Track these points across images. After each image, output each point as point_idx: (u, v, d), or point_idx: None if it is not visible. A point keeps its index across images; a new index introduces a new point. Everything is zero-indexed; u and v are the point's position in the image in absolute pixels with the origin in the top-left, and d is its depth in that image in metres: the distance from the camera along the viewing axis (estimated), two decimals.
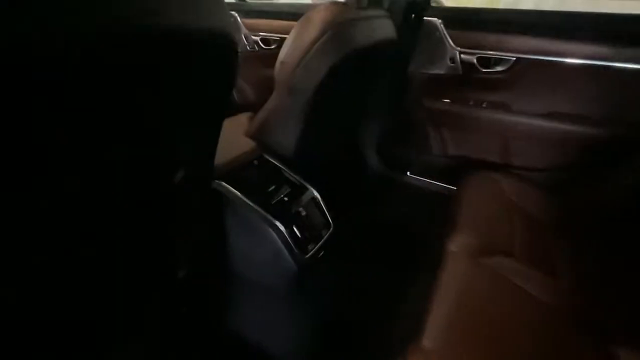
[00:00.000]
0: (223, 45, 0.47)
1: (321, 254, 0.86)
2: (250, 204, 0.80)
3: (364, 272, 1.11)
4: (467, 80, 1.27)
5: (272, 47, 1.71)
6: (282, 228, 0.79)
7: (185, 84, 0.48)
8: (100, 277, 0.58)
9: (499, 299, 0.74)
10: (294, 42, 0.86)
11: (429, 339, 0.63)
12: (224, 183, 0.81)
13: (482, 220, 0.96)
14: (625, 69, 1.01)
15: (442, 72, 1.37)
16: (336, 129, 1.30)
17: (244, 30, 1.75)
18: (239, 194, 0.81)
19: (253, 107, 1.31)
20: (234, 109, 1.35)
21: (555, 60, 1.08)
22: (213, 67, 0.50)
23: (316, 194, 0.92)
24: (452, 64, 1.26)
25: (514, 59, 1.15)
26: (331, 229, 0.91)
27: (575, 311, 0.75)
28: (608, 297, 0.78)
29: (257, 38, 1.73)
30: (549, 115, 1.16)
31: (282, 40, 1.40)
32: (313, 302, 0.94)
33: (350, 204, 1.21)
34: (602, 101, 1.07)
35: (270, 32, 1.68)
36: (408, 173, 1.55)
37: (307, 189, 0.92)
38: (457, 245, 0.86)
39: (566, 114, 1.13)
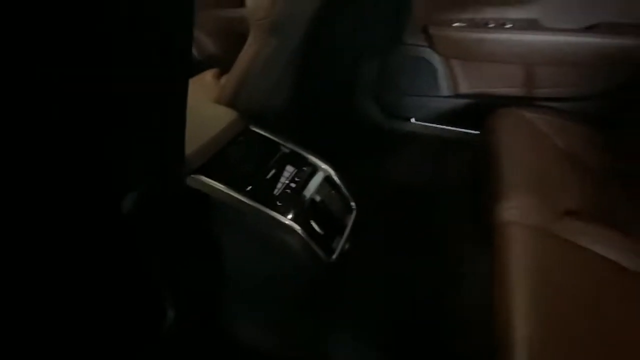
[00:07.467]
0: None
1: (347, 247, 0.67)
2: (247, 201, 0.57)
3: (398, 260, 0.91)
4: None
5: None
6: (296, 228, 0.58)
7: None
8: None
9: (588, 276, 0.59)
10: None
11: (524, 355, 0.47)
12: (201, 177, 0.57)
13: (530, 174, 0.78)
14: None
15: None
16: (328, 76, 1.03)
17: None
18: (228, 189, 0.57)
19: (216, 62, 1.01)
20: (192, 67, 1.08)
21: None
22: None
23: (329, 169, 0.70)
24: None
25: None
26: (354, 213, 0.71)
27: None
28: None
29: None
30: (592, 29, 0.94)
31: None
32: (349, 310, 0.76)
33: (356, 169, 1.00)
34: None
35: None
36: (413, 120, 1.33)
37: (317, 165, 0.69)
38: (514, 213, 0.68)
39: (615, 24, 0.91)
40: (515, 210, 0.68)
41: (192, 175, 0.57)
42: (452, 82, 1.19)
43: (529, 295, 0.55)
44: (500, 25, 1.02)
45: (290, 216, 0.58)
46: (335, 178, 0.71)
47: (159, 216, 0.50)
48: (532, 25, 0.99)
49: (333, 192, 0.68)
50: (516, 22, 1.01)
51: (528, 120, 0.94)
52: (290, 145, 0.70)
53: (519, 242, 0.62)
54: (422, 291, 0.81)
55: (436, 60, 1.17)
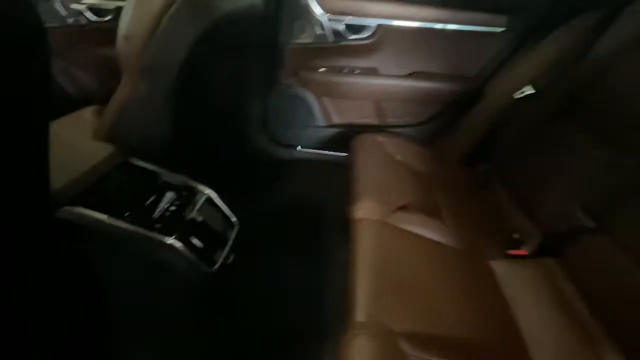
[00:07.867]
0: (17, 19, 0.30)
1: (231, 258, 0.75)
2: (124, 226, 0.62)
3: (281, 264, 1.03)
4: (338, 48, 1.29)
5: (106, 17, 1.35)
6: (176, 244, 0.64)
7: None
8: None
9: (408, 250, 0.80)
10: (136, 10, 0.66)
11: (362, 312, 0.63)
12: (76, 208, 0.60)
13: (375, 182, 1.01)
14: (460, 31, 1.20)
15: (312, 40, 1.35)
16: (212, 111, 1.14)
17: None
18: (104, 217, 0.61)
19: (96, 99, 1.03)
20: (70, 104, 1.05)
21: (411, 25, 1.19)
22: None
23: (210, 192, 0.79)
24: (321, 32, 1.24)
25: (376, 24, 1.21)
26: (236, 227, 0.81)
27: (460, 242, 0.89)
28: (479, 227, 0.94)
29: (82, 7, 1.33)
30: (412, 76, 1.29)
31: (120, 8, 1.10)
32: (233, 313, 0.83)
33: (247, 193, 1.11)
34: (448, 59, 1.25)
35: None
36: (299, 148, 1.53)
37: (197, 189, 0.77)
38: (362, 211, 0.88)
39: (425, 72, 1.28)
40: (363, 209, 0.87)
41: (66, 207, 0.59)
42: (325, 114, 1.43)
43: (371, 270, 0.72)
44: (351, 71, 1.31)
45: (169, 235, 0.64)
46: (217, 200, 0.80)
47: (26, 249, 0.51)
48: (373, 71, 1.30)
49: (215, 211, 0.77)
50: (363, 69, 1.31)
51: (379, 142, 1.21)
52: (171, 174, 0.77)
53: (365, 232, 0.81)
54: (304, 289, 0.94)
55: (311, 97, 1.40)
